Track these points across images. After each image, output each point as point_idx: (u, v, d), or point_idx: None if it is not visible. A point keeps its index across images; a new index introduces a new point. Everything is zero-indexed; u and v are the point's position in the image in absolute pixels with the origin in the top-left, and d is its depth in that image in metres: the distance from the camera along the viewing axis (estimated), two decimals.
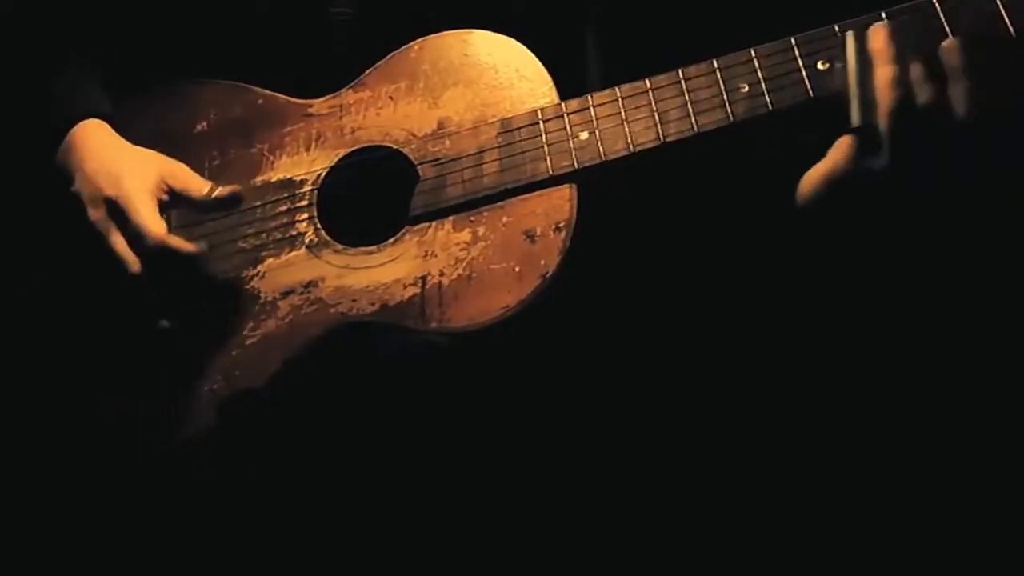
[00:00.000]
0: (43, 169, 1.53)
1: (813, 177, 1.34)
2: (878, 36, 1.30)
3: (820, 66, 1.35)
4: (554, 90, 1.46)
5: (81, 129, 1.53)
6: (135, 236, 1.46)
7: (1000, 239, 1.60)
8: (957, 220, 1.55)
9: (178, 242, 1.46)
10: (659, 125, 1.40)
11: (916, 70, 1.27)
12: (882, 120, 1.26)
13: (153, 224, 1.46)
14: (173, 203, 1.51)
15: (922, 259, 1.58)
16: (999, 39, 1.29)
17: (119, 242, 1.47)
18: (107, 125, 1.55)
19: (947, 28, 1.31)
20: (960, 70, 1.26)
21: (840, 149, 1.31)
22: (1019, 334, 1.61)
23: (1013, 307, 1.61)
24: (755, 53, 1.38)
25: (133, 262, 1.46)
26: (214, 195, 1.50)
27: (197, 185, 1.51)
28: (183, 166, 1.53)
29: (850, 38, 1.31)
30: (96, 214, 1.48)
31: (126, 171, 1.49)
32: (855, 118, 1.27)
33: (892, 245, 1.53)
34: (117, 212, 1.47)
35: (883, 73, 1.27)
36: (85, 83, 1.59)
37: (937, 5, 1.32)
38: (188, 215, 1.53)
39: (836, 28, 1.36)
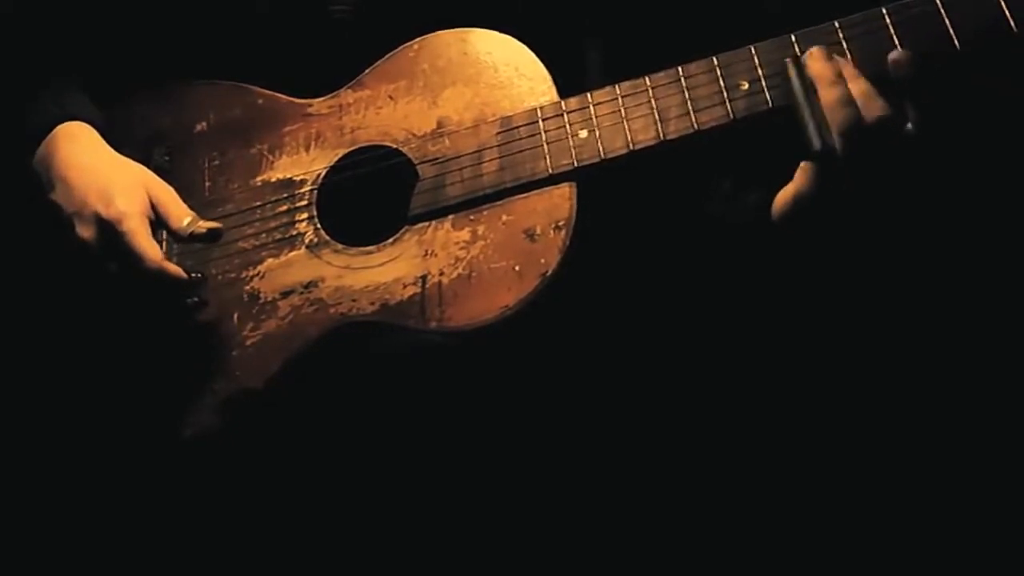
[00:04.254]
0: (20, 173, 1.50)
1: (783, 200, 1.34)
2: (815, 61, 1.30)
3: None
4: (553, 88, 1.45)
5: (61, 133, 1.49)
6: (131, 261, 1.42)
7: (976, 242, 1.61)
8: (932, 225, 1.56)
9: (175, 270, 1.44)
10: (659, 123, 1.39)
11: (861, 87, 1.28)
12: (837, 141, 1.26)
13: (150, 250, 1.42)
14: (158, 224, 1.47)
15: (903, 261, 1.59)
16: (945, 52, 1.29)
17: (114, 266, 1.43)
18: (89, 128, 1.51)
19: (896, 40, 1.31)
20: (909, 82, 1.27)
21: (804, 173, 1.32)
22: (998, 336, 1.62)
23: (993, 308, 1.62)
24: (755, 50, 1.38)
25: (129, 285, 1.44)
26: (191, 230, 1.45)
27: (177, 214, 1.46)
28: (169, 189, 1.48)
29: (789, 67, 1.31)
30: (86, 233, 1.43)
31: (116, 189, 1.44)
32: (814, 142, 1.27)
33: (872, 250, 1.54)
34: (110, 234, 1.42)
35: (828, 95, 1.28)
36: (66, 87, 1.55)
37: (887, 17, 1.32)
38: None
39: (793, 39, 1.35)
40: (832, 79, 1.28)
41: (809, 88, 1.29)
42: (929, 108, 1.27)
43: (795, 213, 1.33)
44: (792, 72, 1.31)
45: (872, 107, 1.27)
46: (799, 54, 1.34)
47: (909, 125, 1.27)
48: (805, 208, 1.32)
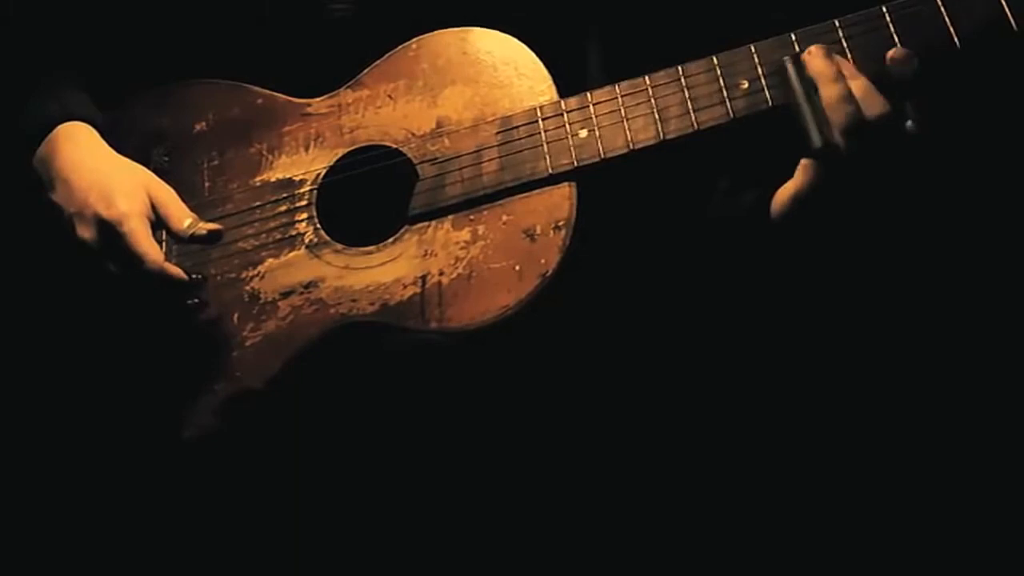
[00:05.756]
0: (20, 173, 1.50)
1: (783, 197, 1.35)
2: (816, 58, 1.31)
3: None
4: (553, 88, 1.45)
5: (62, 133, 1.50)
6: (132, 262, 1.41)
7: (973, 239, 1.61)
8: (929, 222, 1.56)
9: (175, 271, 1.44)
10: (659, 123, 1.39)
11: (861, 85, 1.28)
12: (838, 138, 1.26)
13: (151, 251, 1.41)
14: (158, 225, 1.47)
15: (900, 259, 1.60)
16: (945, 50, 1.30)
17: (114, 267, 1.43)
18: (89, 128, 1.52)
19: (896, 39, 1.32)
20: (908, 80, 1.27)
21: (804, 171, 1.32)
22: (997, 332, 1.62)
23: (990, 305, 1.62)
24: (755, 49, 1.38)
25: (129, 286, 1.44)
26: (192, 231, 1.45)
27: (178, 216, 1.46)
28: (170, 190, 1.48)
29: (788, 65, 1.32)
30: (87, 233, 1.43)
31: (117, 190, 1.44)
32: (814, 140, 1.27)
33: (871, 247, 1.54)
34: (111, 235, 1.42)
35: (828, 93, 1.28)
36: (66, 87, 1.55)
37: (887, 15, 1.32)
38: None
39: (793, 39, 1.35)
40: (833, 77, 1.29)
41: (809, 86, 1.29)
42: (928, 106, 1.27)
43: (795, 211, 1.34)
44: (791, 70, 1.31)
45: (872, 104, 1.27)
46: (799, 53, 1.34)
47: (909, 123, 1.27)
48: (805, 206, 1.33)
